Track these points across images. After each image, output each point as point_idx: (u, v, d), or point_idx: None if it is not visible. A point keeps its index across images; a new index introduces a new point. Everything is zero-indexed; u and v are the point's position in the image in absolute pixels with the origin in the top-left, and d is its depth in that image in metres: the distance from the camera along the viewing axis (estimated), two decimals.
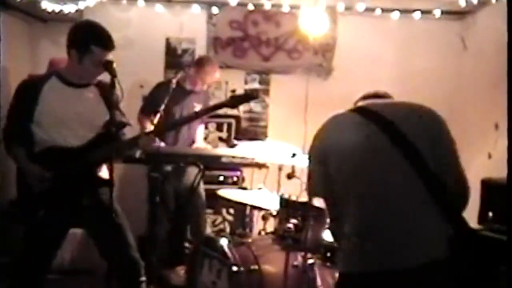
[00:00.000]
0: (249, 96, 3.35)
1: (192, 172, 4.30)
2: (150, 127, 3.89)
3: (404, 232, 1.84)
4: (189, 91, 4.48)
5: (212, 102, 4.77)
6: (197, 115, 3.61)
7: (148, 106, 4.39)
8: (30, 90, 2.84)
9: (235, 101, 3.12)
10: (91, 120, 2.92)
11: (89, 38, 2.77)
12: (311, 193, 2.16)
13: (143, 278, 3.01)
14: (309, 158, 2.08)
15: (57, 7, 4.50)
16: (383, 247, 1.86)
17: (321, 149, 2.02)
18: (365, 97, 2.13)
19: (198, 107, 4.48)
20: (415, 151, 1.84)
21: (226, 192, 3.49)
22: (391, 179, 1.87)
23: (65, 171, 2.83)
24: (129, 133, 3.09)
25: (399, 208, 1.85)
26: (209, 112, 3.62)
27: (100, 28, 2.82)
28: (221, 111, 5.18)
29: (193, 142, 4.57)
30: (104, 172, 2.95)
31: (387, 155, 1.87)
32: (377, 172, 1.89)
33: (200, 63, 4.49)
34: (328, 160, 1.97)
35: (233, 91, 5.21)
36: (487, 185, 3.13)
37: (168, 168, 4.07)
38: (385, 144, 1.86)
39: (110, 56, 2.78)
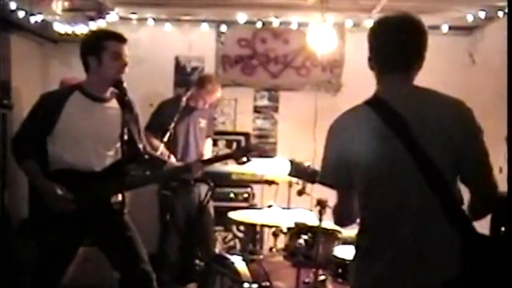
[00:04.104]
0: (252, 148, 3.51)
1: (202, 189, 4.31)
2: (158, 146, 3.92)
3: (418, 251, 1.81)
4: (193, 108, 4.51)
5: (221, 119, 4.84)
6: (216, 160, 3.67)
7: (154, 124, 4.40)
8: (52, 104, 2.83)
9: (239, 153, 3.37)
10: (112, 137, 2.91)
11: (100, 37, 2.85)
12: (321, 176, 2.07)
13: None
14: (326, 152, 1.99)
15: (68, 29, 4.56)
16: (396, 266, 1.83)
17: (340, 148, 1.94)
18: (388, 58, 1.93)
19: (203, 123, 4.52)
20: (430, 161, 1.78)
21: (236, 214, 3.49)
22: (405, 193, 1.83)
23: (83, 198, 2.82)
24: None
25: (413, 225, 1.82)
26: (219, 160, 3.70)
27: (106, 29, 2.89)
28: (230, 128, 5.29)
29: (201, 156, 4.56)
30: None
31: (401, 165, 1.81)
32: (392, 184, 1.85)
33: (201, 83, 4.50)
34: (348, 160, 1.90)
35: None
36: (498, 199, 3.10)
37: (175, 184, 4.09)
38: (400, 153, 1.80)
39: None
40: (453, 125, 1.81)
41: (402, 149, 1.80)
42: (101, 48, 2.79)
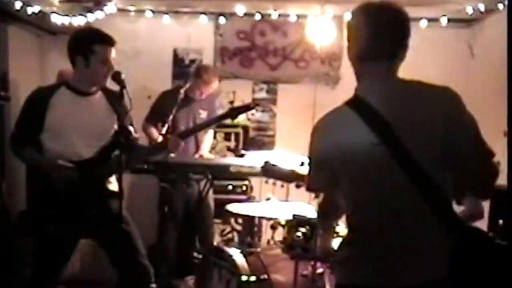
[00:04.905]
0: (248, 106, 3.60)
1: (201, 182, 4.31)
2: (157, 137, 3.91)
3: (403, 248, 1.77)
4: (193, 99, 4.49)
5: (219, 112, 4.81)
6: (207, 124, 4.11)
7: (154, 115, 4.40)
8: (39, 100, 2.88)
9: (235, 112, 3.52)
10: (101, 128, 2.96)
11: (90, 39, 2.84)
12: (313, 188, 2.07)
13: (154, 285, 3.02)
14: (310, 156, 1.97)
15: (66, 20, 4.54)
16: (380, 263, 1.81)
17: (323, 151, 1.91)
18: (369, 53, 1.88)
19: (204, 114, 4.50)
20: (412, 159, 1.71)
21: (234, 207, 3.49)
22: (389, 192, 1.78)
23: (75, 184, 2.84)
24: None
25: (397, 224, 1.78)
26: (214, 122, 4.05)
27: (96, 28, 2.91)
28: (229, 121, 5.25)
29: (198, 149, 4.55)
30: (113, 184, 2.98)
31: (383, 165, 1.75)
32: (375, 184, 1.80)
33: (198, 73, 4.49)
34: (332, 163, 1.86)
35: (231, 102, 5.26)
36: (497, 192, 3.10)
37: (174, 177, 4.09)
38: (382, 153, 1.74)
39: (118, 67, 2.81)
40: (437, 117, 1.73)
41: (383, 149, 1.74)
42: (90, 51, 2.81)
